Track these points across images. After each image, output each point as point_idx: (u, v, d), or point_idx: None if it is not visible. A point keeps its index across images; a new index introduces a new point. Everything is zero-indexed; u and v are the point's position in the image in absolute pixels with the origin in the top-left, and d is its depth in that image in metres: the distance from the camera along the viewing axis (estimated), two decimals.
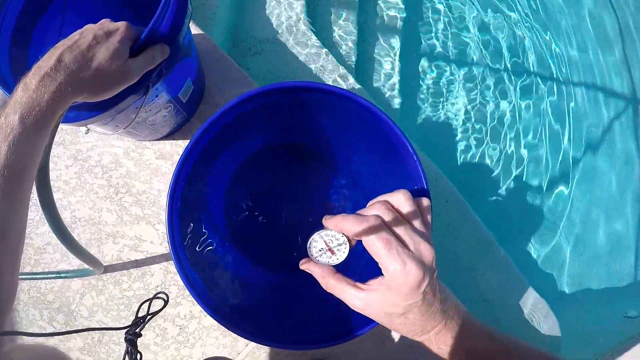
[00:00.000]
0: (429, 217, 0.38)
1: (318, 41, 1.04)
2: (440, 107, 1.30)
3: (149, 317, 0.42)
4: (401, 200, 0.36)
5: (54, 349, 0.46)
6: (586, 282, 1.25)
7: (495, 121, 1.31)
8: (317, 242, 0.37)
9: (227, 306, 0.46)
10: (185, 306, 0.73)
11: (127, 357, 0.41)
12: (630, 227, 1.29)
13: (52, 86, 0.35)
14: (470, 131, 1.29)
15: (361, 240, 0.35)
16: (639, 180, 1.34)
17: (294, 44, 1.04)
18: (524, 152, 1.30)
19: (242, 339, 0.71)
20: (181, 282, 0.72)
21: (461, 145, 1.28)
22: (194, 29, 0.78)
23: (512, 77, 1.36)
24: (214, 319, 0.44)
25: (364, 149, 0.53)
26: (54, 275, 0.68)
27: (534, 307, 0.98)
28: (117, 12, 0.61)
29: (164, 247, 0.74)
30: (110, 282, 0.74)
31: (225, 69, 0.78)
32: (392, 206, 0.36)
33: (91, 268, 0.67)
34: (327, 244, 0.37)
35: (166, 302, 0.42)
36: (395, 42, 1.27)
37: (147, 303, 0.43)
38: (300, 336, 0.45)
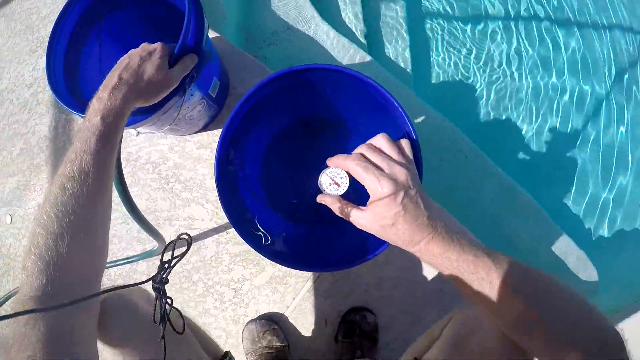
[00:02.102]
0: (408, 151, 0.46)
1: (326, 23, 1.10)
2: (457, 65, 1.28)
3: (174, 260, 0.41)
4: (381, 141, 0.46)
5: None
6: (624, 227, 1.22)
7: (516, 73, 1.28)
8: (324, 179, 0.49)
9: (277, 251, 0.59)
10: (237, 271, 0.85)
11: (157, 303, 0.42)
12: None
13: (120, 95, 0.47)
14: (489, 87, 1.27)
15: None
16: None
17: (304, 30, 1.10)
18: (550, 97, 1.27)
19: (289, 295, 0.83)
20: (232, 250, 0.84)
21: (482, 102, 1.26)
22: (211, 34, 0.88)
23: (531, 27, 1.30)
24: (269, 258, 0.56)
25: (367, 113, 0.62)
26: (122, 262, 0.79)
27: (568, 253, 0.98)
28: (145, 32, 0.72)
29: (214, 222, 0.86)
30: None
31: (243, 63, 0.88)
32: (374, 146, 0.46)
33: (154, 248, 0.78)
34: (332, 179, 0.49)
35: (189, 244, 0.42)
36: (402, 8, 1.26)
37: (171, 247, 0.41)
38: (330, 261, 0.57)
